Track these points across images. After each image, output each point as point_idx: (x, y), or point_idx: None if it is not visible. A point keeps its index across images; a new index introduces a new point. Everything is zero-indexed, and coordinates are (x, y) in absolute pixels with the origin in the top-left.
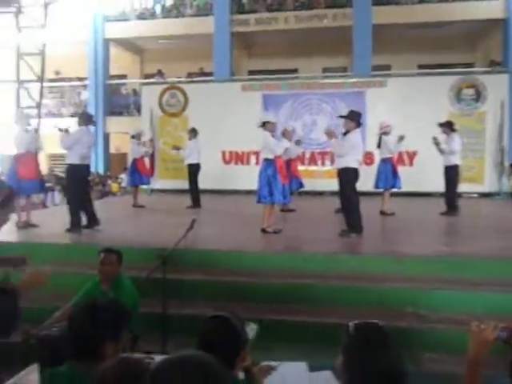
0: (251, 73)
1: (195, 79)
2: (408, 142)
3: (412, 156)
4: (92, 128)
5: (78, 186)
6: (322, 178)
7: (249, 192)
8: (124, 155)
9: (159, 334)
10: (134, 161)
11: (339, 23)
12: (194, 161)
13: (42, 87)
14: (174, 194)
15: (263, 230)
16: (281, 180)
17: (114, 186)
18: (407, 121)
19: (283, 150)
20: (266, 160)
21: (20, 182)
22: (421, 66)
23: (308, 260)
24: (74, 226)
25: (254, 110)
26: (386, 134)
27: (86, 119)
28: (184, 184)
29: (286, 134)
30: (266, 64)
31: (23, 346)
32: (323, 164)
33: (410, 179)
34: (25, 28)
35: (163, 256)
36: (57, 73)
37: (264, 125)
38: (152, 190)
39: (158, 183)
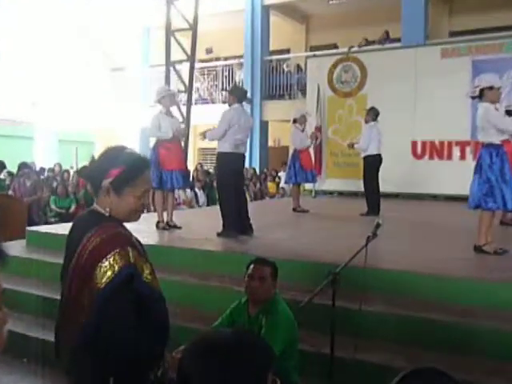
0: (453, 35)
1: (376, 47)
2: None
3: None
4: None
5: (230, 179)
6: None
7: (449, 198)
8: (285, 149)
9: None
10: (296, 153)
11: None
12: (372, 151)
13: (192, 68)
14: (344, 197)
15: (478, 249)
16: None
17: (271, 186)
18: None
19: None
20: (488, 146)
21: (161, 173)
22: None
23: None
24: (227, 229)
25: (459, 83)
26: None
27: (239, 95)
28: (358, 185)
29: None
30: (476, 21)
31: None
32: None
33: None
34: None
35: (333, 274)
36: (208, 51)
37: (481, 94)
38: (317, 192)
39: (324, 183)
